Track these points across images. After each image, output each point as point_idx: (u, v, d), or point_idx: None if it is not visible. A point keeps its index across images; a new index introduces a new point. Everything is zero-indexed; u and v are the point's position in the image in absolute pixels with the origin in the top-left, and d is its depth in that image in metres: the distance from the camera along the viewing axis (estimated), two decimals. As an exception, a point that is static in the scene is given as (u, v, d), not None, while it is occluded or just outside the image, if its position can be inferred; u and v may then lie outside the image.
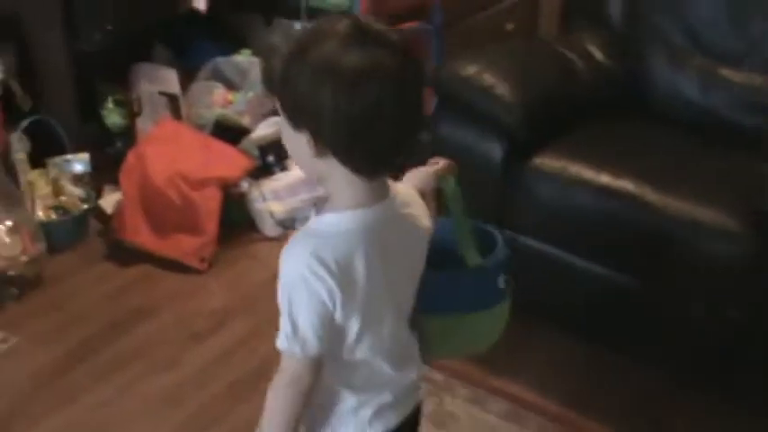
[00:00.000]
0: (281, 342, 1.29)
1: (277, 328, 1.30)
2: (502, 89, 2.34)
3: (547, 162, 2.31)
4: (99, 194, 3.07)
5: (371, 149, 1.25)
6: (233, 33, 3.66)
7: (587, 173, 2.25)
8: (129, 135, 3.19)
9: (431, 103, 2.48)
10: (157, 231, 2.87)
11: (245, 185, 3.00)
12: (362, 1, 3.10)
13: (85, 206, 2.98)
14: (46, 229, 2.83)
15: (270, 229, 3.00)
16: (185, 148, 2.98)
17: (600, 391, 2.34)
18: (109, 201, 3.06)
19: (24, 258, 2.71)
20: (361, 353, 1.35)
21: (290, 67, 1.24)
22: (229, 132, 3.18)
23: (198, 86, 3.35)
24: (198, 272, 2.82)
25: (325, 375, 1.34)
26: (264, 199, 2.98)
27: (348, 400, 1.39)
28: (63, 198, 3.00)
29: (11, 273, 2.69)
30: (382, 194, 1.32)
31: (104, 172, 3.10)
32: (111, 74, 3.21)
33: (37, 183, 2.97)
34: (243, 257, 2.92)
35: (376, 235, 1.30)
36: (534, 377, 2.38)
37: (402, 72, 1.23)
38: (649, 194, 2.16)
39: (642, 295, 2.21)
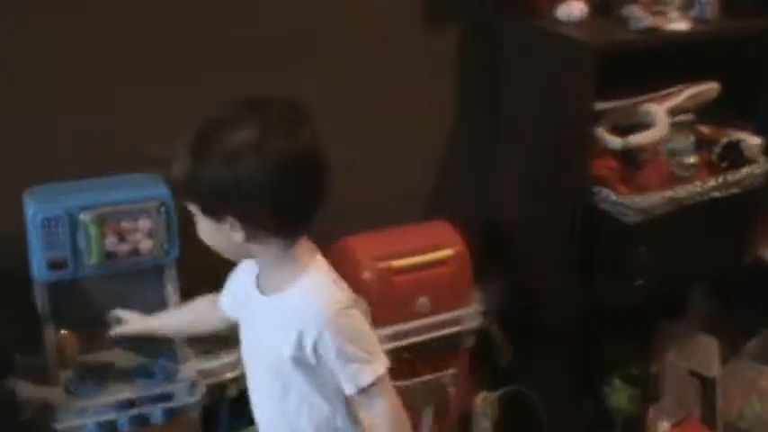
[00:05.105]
0: (370, 375, 1.35)
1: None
2: None
3: None
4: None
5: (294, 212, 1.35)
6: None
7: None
8: (634, 426, 2.24)
9: None
10: None
11: None
12: None
13: None
14: None
15: None
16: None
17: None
18: None
19: None
20: None
21: (197, 161, 1.30)
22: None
23: (739, 366, 2.35)
24: None
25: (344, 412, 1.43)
26: None
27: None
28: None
29: None
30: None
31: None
32: (625, 334, 2.29)
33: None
34: None
35: None
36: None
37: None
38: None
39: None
